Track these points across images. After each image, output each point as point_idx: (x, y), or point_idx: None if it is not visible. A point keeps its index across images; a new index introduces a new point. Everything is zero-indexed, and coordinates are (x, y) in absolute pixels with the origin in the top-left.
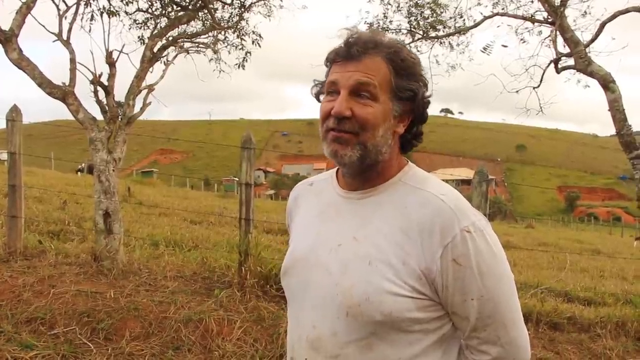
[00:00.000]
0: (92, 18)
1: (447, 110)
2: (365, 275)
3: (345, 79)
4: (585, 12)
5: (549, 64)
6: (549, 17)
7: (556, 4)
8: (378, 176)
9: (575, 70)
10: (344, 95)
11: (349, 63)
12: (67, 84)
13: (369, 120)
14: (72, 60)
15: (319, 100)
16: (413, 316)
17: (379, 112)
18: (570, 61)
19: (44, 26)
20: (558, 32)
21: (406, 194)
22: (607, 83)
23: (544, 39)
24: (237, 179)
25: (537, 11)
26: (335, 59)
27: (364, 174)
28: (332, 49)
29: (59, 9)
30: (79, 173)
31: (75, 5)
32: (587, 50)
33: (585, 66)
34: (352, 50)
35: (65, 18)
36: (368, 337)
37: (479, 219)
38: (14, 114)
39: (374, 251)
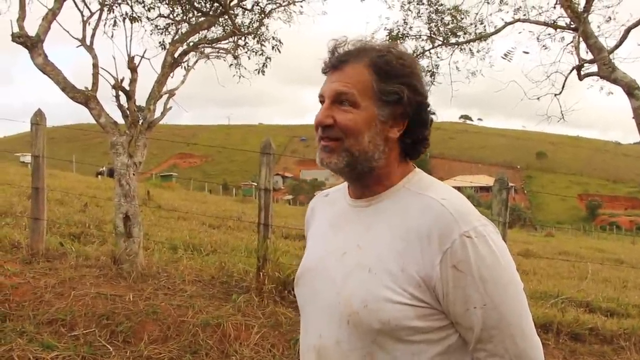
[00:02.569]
0: (114, 24)
1: (466, 117)
2: (365, 283)
3: (328, 89)
4: (609, 17)
5: (571, 71)
6: (572, 23)
7: (579, 10)
8: (379, 183)
9: (598, 77)
10: (326, 105)
11: (333, 73)
12: (89, 88)
13: (349, 126)
14: (95, 65)
15: None
16: (413, 325)
17: (359, 118)
18: (594, 68)
19: (68, 32)
20: (581, 38)
21: (409, 200)
22: (631, 90)
23: (566, 46)
24: (255, 184)
25: (559, 17)
26: (325, 71)
27: (362, 181)
28: (322, 63)
29: (83, 15)
30: (99, 176)
31: (98, 12)
32: (611, 56)
33: (609, 73)
34: (332, 61)
35: (89, 24)
36: (369, 347)
37: (482, 224)
38: (38, 117)
39: (374, 259)
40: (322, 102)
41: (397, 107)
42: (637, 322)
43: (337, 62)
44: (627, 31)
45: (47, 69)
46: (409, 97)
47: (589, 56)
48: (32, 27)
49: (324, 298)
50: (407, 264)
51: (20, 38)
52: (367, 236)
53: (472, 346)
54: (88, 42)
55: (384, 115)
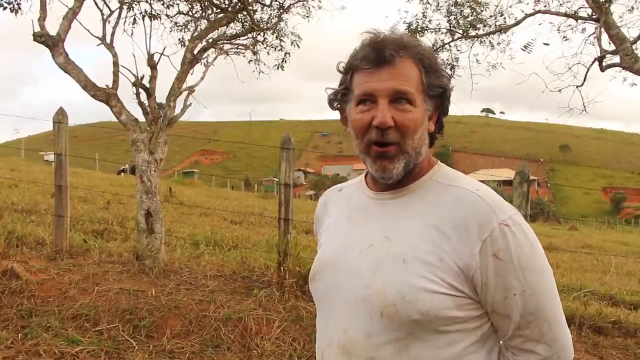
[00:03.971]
0: (134, 22)
1: (488, 110)
2: (400, 274)
3: (383, 87)
4: (632, 7)
5: (593, 62)
6: (594, 13)
7: (601, 0)
8: (411, 176)
9: (621, 68)
10: (384, 105)
11: (381, 70)
12: (110, 86)
13: (410, 127)
14: (115, 63)
15: (333, 107)
16: (452, 314)
17: (418, 118)
18: (616, 59)
19: (88, 30)
20: (603, 29)
21: (439, 192)
22: None
23: (588, 37)
24: (277, 179)
25: (580, 8)
26: (362, 66)
27: (401, 178)
28: (353, 54)
29: (102, 14)
30: (121, 174)
31: (118, 10)
32: (633, 47)
33: (631, 64)
34: (384, 55)
35: (109, 22)
36: (405, 338)
37: (515, 213)
38: (60, 116)
39: (408, 249)
40: (365, 100)
41: (438, 100)
42: None
43: (385, 57)
44: None
45: (69, 67)
46: (449, 92)
47: (611, 47)
48: (53, 27)
49: (348, 291)
50: (444, 254)
51: (42, 37)
52: (395, 228)
53: (509, 333)
54: (108, 41)
55: (430, 110)
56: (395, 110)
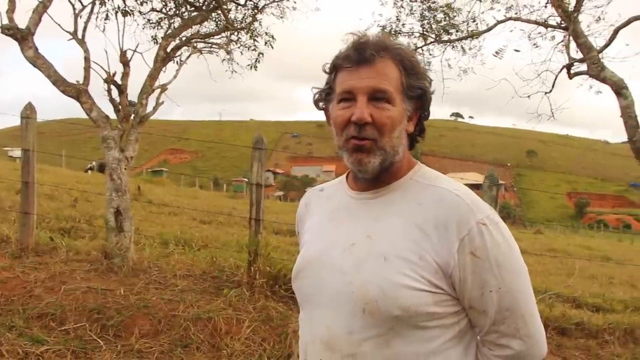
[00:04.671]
0: (106, 17)
1: (457, 115)
2: (381, 271)
3: (362, 85)
4: (599, 17)
5: (562, 69)
6: (562, 22)
7: (570, 10)
8: (390, 176)
9: (588, 76)
10: (363, 101)
11: (361, 68)
12: (81, 82)
13: (387, 124)
14: (87, 59)
15: (318, 106)
16: (431, 310)
17: (396, 115)
18: (583, 67)
19: (59, 25)
20: (571, 38)
21: (419, 191)
22: (619, 89)
23: (557, 44)
24: (246, 179)
25: (550, 16)
26: (344, 64)
27: (379, 176)
28: (337, 54)
29: (74, 8)
30: (88, 172)
31: (90, 5)
32: (600, 56)
33: (598, 72)
34: (365, 55)
35: (81, 17)
36: (386, 334)
37: (493, 213)
38: (29, 111)
39: (389, 247)
40: (346, 98)
41: (417, 101)
42: (621, 317)
43: (366, 58)
44: (616, 31)
45: (38, 62)
46: (429, 93)
47: (579, 55)
48: (22, 20)
49: (331, 289)
50: (424, 252)
51: (10, 30)
52: (377, 226)
53: (485, 329)
54: (80, 36)
55: (409, 110)
56: (373, 108)
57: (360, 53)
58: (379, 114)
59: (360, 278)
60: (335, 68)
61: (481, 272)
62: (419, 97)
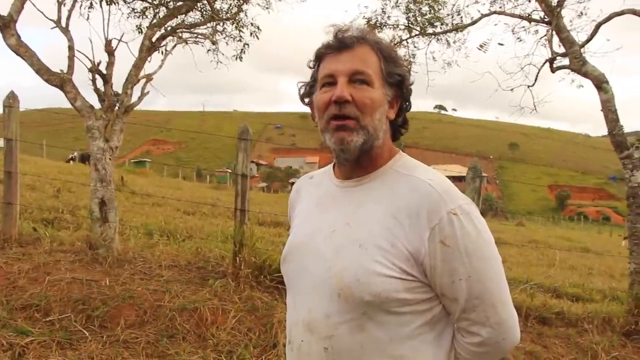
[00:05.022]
0: (91, 6)
1: (440, 107)
2: (356, 258)
3: (342, 67)
4: (581, 12)
5: (544, 63)
6: (546, 16)
7: (553, 4)
8: (371, 163)
9: (569, 70)
10: (343, 82)
11: (342, 53)
12: (65, 71)
13: (367, 104)
14: (71, 48)
15: (303, 101)
16: (401, 297)
17: (375, 97)
18: (565, 61)
19: (42, 13)
20: (554, 32)
21: (396, 181)
22: (600, 84)
23: (540, 38)
24: (230, 170)
25: (534, 11)
26: (326, 52)
27: (360, 161)
28: (320, 45)
29: None
30: (70, 162)
31: None
32: (582, 50)
33: (579, 66)
34: (345, 40)
35: (64, 5)
36: (359, 318)
37: (466, 203)
38: (11, 100)
39: (365, 235)
40: (327, 82)
41: (397, 89)
42: (599, 306)
43: (346, 43)
44: (598, 26)
45: (21, 50)
46: (408, 81)
47: (562, 49)
48: (4, 7)
49: (313, 273)
50: (396, 240)
51: None
52: (356, 214)
53: (456, 316)
54: (63, 24)
55: (389, 96)
56: (353, 89)
57: (341, 40)
58: (359, 93)
59: (338, 264)
60: (318, 58)
61: (451, 260)
62: (398, 84)
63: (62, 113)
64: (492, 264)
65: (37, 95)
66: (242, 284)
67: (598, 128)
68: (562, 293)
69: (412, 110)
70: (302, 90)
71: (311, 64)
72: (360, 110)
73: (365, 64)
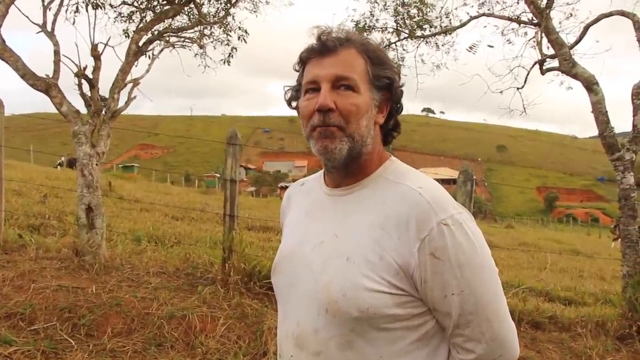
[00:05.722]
0: (77, 10)
1: (428, 110)
2: (343, 271)
3: (325, 73)
4: (570, 14)
5: (534, 65)
6: (535, 18)
7: (542, 6)
8: (360, 171)
9: (559, 72)
10: (326, 89)
11: (325, 58)
12: (50, 76)
13: (352, 111)
14: (57, 52)
15: (290, 106)
16: (392, 312)
17: (361, 103)
18: (555, 63)
19: (27, 17)
20: (543, 34)
21: (386, 189)
22: (590, 85)
23: (529, 40)
24: (218, 175)
25: (522, 12)
26: (309, 56)
27: (348, 169)
28: (304, 49)
29: (43, 0)
30: (58, 167)
31: None
32: (571, 52)
33: (569, 68)
34: (327, 44)
35: (50, 9)
36: (348, 335)
37: (458, 212)
38: None
39: (352, 247)
40: (311, 89)
41: (386, 92)
42: (592, 309)
43: (329, 47)
44: (586, 28)
45: (5, 54)
46: (398, 84)
47: (551, 51)
48: None
49: (302, 285)
50: (385, 252)
51: None
52: (344, 225)
53: (450, 331)
54: (49, 28)
55: (377, 100)
56: (337, 96)
57: (324, 44)
58: (342, 101)
59: (325, 277)
60: (302, 62)
61: (442, 273)
62: (387, 87)
63: (48, 118)
64: (487, 277)
65: (24, 101)
66: (231, 290)
67: (586, 129)
68: (554, 297)
69: (401, 112)
70: (288, 95)
71: (297, 67)
72: (345, 118)
73: (350, 68)
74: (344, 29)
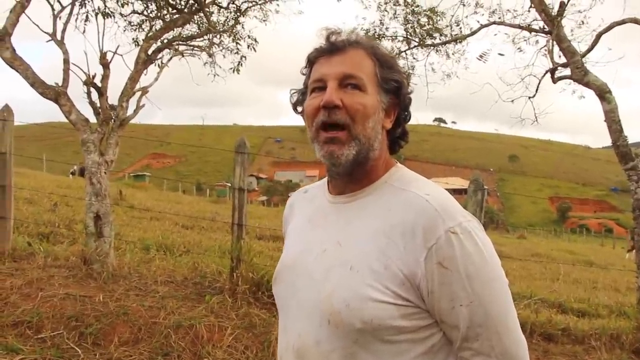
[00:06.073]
0: (86, 19)
1: (440, 120)
2: (346, 281)
3: (332, 71)
4: (582, 22)
5: (545, 74)
6: (546, 26)
7: (553, 14)
8: (365, 177)
9: (571, 81)
10: (333, 86)
11: (333, 57)
12: (60, 84)
13: (359, 110)
14: (66, 61)
15: (296, 110)
16: (397, 324)
17: (368, 103)
18: (567, 71)
19: (38, 26)
20: (554, 42)
21: (391, 196)
22: (603, 94)
23: (541, 49)
24: (229, 184)
25: (533, 20)
26: (317, 56)
27: (353, 175)
28: (311, 50)
29: (53, 9)
30: (70, 176)
31: (70, 6)
32: (583, 60)
33: (581, 76)
34: (336, 44)
35: (60, 18)
36: (351, 347)
37: (467, 220)
38: (6, 113)
39: (356, 256)
40: (317, 87)
41: (394, 96)
42: (607, 322)
43: (337, 46)
44: (599, 36)
45: (15, 63)
46: (405, 88)
47: (562, 60)
48: None
49: (303, 295)
50: (390, 262)
51: None
52: (347, 232)
53: (457, 345)
54: (59, 37)
55: (385, 103)
56: (344, 94)
57: (332, 43)
58: (350, 99)
59: (327, 287)
60: (310, 62)
61: (450, 284)
62: (395, 91)
63: (60, 127)
64: (497, 288)
65: (37, 109)
66: (239, 300)
67: (598, 139)
68: (567, 308)
69: (411, 123)
70: (294, 98)
71: (304, 70)
72: (351, 117)
73: (358, 67)
74: (353, 31)
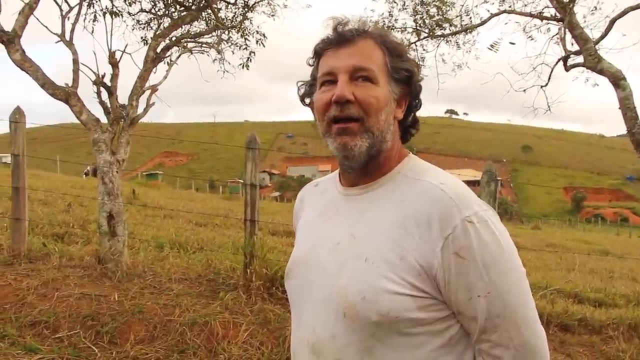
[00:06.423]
0: (94, 19)
1: (452, 112)
2: (361, 273)
3: (342, 64)
4: (595, 8)
5: (557, 62)
6: (558, 14)
7: (565, 1)
8: (379, 168)
9: (584, 68)
10: (344, 80)
11: (342, 49)
12: (70, 85)
13: (372, 103)
14: (75, 61)
15: (303, 102)
16: (414, 316)
17: (380, 95)
18: (579, 59)
19: (46, 27)
20: (567, 29)
21: (405, 186)
22: (617, 80)
23: (552, 37)
24: (242, 181)
25: (545, 8)
26: (325, 48)
27: (366, 167)
28: (318, 41)
29: (61, 10)
30: (84, 176)
31: (77, 6)
32: (596, 47)
33: (595, 64)
34: (344, 34)
35: (68, 19)
36: (368, 340)
37: (483, 209)
38: (17, 115)
39: (370, 248)
40: (327, 81)
41: (405, 86)
42: (624, 311)
43: (346, 37)
44: (612, 22)
45: (25, 65)
46: (416, 77)
47: (575, 47)
48: (8, 22)
49: (317, 290)
50: (405, 252)
51: None
52: (361, 225)
53: (475, 337)
54: (67, 38)
55: (396, 93)
56: (355, 87)
57: (340, 34)
58: (362, 92)
59: (341, 280)
60: (317, 54)
61: (467, 274)
62: (406, 80)
63: (72, 128)
64: (515, 278)
65: (51, 112)
66: (253, 296)
67: (613, 128)
68: (583, 298)
69: (423, 115)
70: (301, 90)
71: (311, 61)
72: (365, 111)
73: (368, 59)
74: (360, 20)
